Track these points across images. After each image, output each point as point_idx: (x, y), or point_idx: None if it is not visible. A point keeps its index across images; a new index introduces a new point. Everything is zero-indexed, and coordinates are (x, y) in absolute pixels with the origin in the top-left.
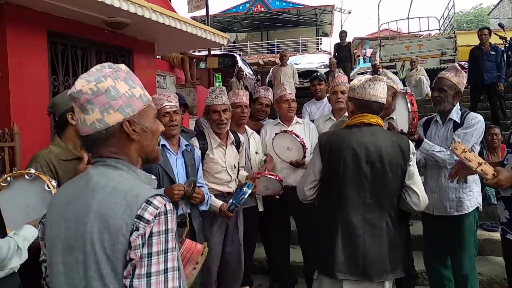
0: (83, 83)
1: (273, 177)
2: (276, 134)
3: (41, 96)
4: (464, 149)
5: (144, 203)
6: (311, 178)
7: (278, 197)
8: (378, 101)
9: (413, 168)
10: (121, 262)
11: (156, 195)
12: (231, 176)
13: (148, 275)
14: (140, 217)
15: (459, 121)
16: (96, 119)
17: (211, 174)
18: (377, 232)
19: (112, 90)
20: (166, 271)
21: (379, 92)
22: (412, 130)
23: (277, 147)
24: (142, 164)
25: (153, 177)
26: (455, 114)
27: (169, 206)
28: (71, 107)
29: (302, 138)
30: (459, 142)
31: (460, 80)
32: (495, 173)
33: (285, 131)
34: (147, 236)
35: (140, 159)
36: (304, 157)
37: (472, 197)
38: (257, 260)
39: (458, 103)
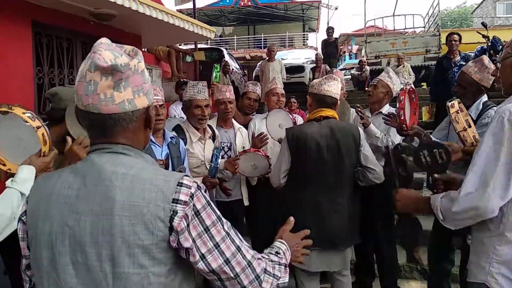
0: (125, 59)
1: (259, 152)
2: (270, 111)
3: (25, 87)
4: (458, 110)
5: (177, 186)
6: (284, 167)
7: (267, 175)
8: (331, 96)
9: (366, 151)
10: (162, 248)
11: (184, 175)
12: (208, 170)
13: (216, 245)
14: (176, 201)
15: (474, 118)
16: (127, 98)
17: (190, 168)
18: (339, 208)
19: (145, 72)
20: (228, 234)
21: (332, 88)
22: (403, 125)
23: (270, 125)
24: None
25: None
26: (474, 110)
27: (199, 182)
28: (66, 107)
29: (295, 117)
30: (459, 102)
31: (484, 76)
32: (474, 142)
33: (279, 108)
34: (190, 217)
35: (142, 148)
36: None
37: None
38: None
39: (481, 98)
